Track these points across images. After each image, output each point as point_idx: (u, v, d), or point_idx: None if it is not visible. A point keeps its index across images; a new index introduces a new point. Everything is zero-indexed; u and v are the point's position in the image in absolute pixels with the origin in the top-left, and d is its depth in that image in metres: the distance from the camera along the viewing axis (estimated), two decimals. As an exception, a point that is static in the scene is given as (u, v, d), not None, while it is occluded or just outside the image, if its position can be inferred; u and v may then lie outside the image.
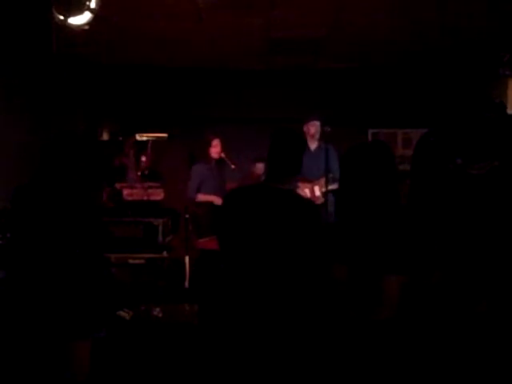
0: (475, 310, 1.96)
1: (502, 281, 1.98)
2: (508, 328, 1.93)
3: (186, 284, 5.40)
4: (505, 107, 2.21)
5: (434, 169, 2.10)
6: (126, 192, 5.75)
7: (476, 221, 2.02)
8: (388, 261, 2.07)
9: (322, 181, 5.25)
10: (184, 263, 5.44)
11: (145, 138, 7.43)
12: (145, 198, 5.70)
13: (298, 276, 2.30)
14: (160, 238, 5.51)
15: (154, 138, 7.68)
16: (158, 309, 4.80)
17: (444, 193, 2.08)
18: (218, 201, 5.07)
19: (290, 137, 2.45)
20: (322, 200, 5.32)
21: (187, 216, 5.45)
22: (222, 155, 5.43)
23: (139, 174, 6.02)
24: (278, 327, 2.27)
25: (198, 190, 5.38)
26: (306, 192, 5.22)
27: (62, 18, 3.67)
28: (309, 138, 5.50)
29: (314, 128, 5.45)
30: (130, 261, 5.54)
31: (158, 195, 5.76)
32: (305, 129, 5.50)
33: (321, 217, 4.58)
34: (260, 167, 5.76)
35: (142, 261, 5.56)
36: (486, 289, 1.98)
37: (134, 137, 6.71)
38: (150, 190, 5.75)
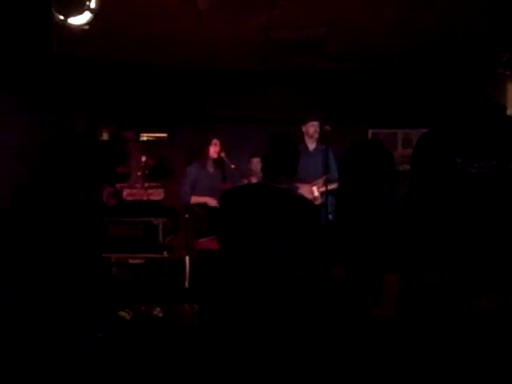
0: (475, 308, 1.96)
1: (502, 279, 1.98)
2: (508, 327, 1.93)
3: (186, 284, 5.40)
4: (504, 108, 2.21)
5: (434, 168, 2.10)
6: (125, 192, 5.76)
7: (475, 219, 2.03)
8: (387, 259, 2.07)
9: (321, 181, 5.26)
10: (184, 263, 5.44)
11: (145, 138, 7.45)
12: (145, 198, 5.70)
13: (296, 274, 2.31)
14: (160, 238, 5.52)
15: (154, 138, 7.71)
16: (158, 309, 4.80)
17: (444, 192, 2.09)
18: (211, 202, 5.03)
19: (286, 143, 2.56)
20: (320, 200, 5.33)
21: (187, 216, 5.44)
22: (222, 155, 5.42)
23: (139, 174, 6.02)
24: (277, 325, 2.27)
25: (192, 192, 5.33)
26: (305, 193, 5.22)
27: (62, 17, 3.67)
28: (307, 138, 5.51)
29: (312, 128, 5.45)
30: (130, 261, 5.56)
31: (158, 195, 5.76)
32: (303, 129, 5.50)
33: (319, 215, 4.56)
34: (255, 162, 5.71)
35: (142, 261, 5.57)
36: (485, 287, 1.98)
37: (139, 136, 6.73)
38: (150, 190, 5.76)
